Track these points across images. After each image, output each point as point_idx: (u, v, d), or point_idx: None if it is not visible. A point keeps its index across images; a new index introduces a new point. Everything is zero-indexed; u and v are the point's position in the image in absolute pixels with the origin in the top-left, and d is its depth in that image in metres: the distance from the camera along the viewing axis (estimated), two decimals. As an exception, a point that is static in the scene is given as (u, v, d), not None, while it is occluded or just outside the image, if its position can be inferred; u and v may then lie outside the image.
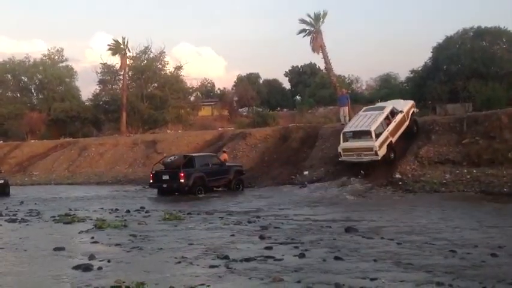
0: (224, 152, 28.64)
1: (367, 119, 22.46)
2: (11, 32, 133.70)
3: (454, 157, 21.62)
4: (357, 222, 12.43)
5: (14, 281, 7.41)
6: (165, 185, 22.32)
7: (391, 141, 22.16)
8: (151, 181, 22.81)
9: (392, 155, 22.25)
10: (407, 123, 23.36)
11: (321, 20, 40.60)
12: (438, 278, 6.97)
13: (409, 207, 16.04)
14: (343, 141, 22.44)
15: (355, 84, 66.40)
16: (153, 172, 22.96)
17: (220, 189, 23.45)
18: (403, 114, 23.23)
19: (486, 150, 21.10)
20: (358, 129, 22.39)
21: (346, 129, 22.88)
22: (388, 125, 22.31)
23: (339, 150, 22.58)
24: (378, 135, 21.60)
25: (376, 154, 21.46)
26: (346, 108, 28.33)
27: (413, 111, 24.50)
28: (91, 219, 13.87)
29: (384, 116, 22.39)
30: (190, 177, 21.77)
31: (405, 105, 24.05)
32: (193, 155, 24.52)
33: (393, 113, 22.92)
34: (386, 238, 10.17)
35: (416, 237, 10.32)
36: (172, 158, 23.23)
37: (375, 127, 21.77)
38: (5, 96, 62.20)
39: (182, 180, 21.60)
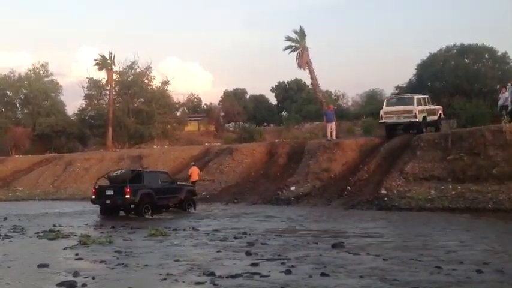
0: (193, 165, 28.44)
1: (409, 96, 27.15)
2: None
3: (439, 173, 21.81)
4: (344, 239, 12.45)
5: (-3, 298, 7.30)
6: (108, 201, 20.23)
7: (425, 116, 25.72)
8: (92, 197, 20.72)
9: (424, 130, 25.67)
10: (436, 117, 27.04)
11: (306, 36, 40.98)
12: (424, 294, 6.99)
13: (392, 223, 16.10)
14: (386, 106, 26.00)
15: (341, 100, 66.88)
16: (96, 187, 21.07)
17: (170, 209, 21.98)
18: (435, 108, 27.55)
19: (471, 166, 21.33)
20: (403, 96, 27.55)
21: (389, 97, 28.67)
22: (424, 105, 26.13)
23: (381, 113, 25.86)
24: (418, 104, 25.36)
25: (415, 117, 24.96)
26: (334, 124, 28.52)
27: (441, 114, 28.15)
28: (75, 235, 13.73)
29: (423, 97, 26.87)
30: (137, 194, 19.80)
31: (437, 106, 28.57)
32: (142, 170, 23.32)
33: (429, 101, 27.14)
34: (372, 254, 10.19)
35: (402, 253, 10.36)
36: (118, 172, 21.49)
37: (417, 97, 25.87)
38: (-11, 111, 61.69)
39: (128, 196, 19.55)
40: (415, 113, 24.81)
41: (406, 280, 7.86)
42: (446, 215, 17.92)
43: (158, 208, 20.99)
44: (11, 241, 13.49)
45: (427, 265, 9.04)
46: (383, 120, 25.94)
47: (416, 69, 51.45)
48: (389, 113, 25.63)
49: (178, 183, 22.84)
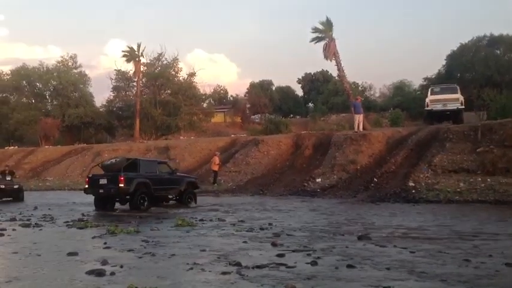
0: (216, 155, 28.68)
1: (452, 85, 29.95)
2: (26, 38, 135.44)
3: (468, 166, 21.49)
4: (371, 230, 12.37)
5: (29, 286, 7.45)
6: (101, 190, 19.00)
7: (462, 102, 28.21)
8: (86, 186, 19.69)
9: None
10: (463, 107, 28.31)
11: (333, 27, 40.58)
12: (452, 287, 6.90)
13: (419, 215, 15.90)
14: (431, 95, 28.01)
15: (368, 91, 66.17)
16: (89, 176, 20.08)
17: (170, 202, 21.07)
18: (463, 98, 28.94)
19: (501, 158, 20.96)
20: (444, 86, 29.71)
21: (433, 87, 30.11)
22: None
23: (427, 101, 27.64)
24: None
25: (462, 104, 27.41)
26: (362, 116, 28.30)
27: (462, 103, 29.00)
28: (104, 225, 13.93)
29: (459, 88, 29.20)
30: (132, 182, 18.61)
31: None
32: (139, 158, 22.20)
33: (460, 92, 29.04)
34: (399, 246, 10.10)
35: (429, 245, 10.23)
36: (113, 160, 20.49)
37: (458, 88, 28.52)
38: (20, 102, 62.98)
39: (122, 185, 18.39)
40: (461, 101, 27.51)
41: (434, 273, 7.77)
42: (476, 207, 17.63)
43: (155, 199, 19.89)
44: (41, 230, 13.77)
45: (455, 258, 8.92)
46: (429, 108, 27.80)
47: (445, 60, 50.69)
48: (435, 101, 27.56)
49: (178, 173, 21.83)
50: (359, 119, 28.23)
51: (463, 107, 27.78)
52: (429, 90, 29.21)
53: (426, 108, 28.13)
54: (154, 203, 19.73)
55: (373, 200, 20.48)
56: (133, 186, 18.59)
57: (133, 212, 17.97)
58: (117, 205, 19.81)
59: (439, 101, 27.73)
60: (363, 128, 29.32)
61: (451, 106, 27.54)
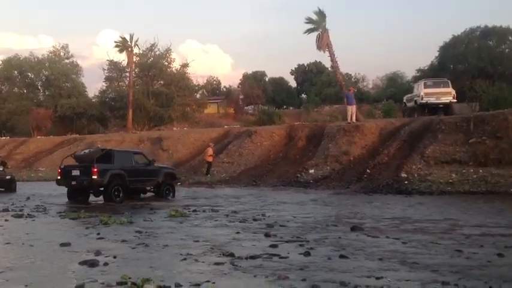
0: (210, 146, 28.73)
1: (444, 79, 31.55)
2: (17, 28, 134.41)
3: (460, 157, 21.60)
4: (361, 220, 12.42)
5: (21, 275, 7.44)
6: (74, 182, 18.25)
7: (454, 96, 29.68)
8: (58, 177, 18.88)
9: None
10: (455, 100, 29.59)
11: (326, 18, 40.49)
12: (444, 278, 6.94)
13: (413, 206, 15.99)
14: (425, 88, 28.99)
15: (361, 82, 66.33)
16: (62, 167, 19.13)
17: (147, 195, 20.31)
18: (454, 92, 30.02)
19: (493, 150, 21.09)
20: (437, 80, 31.34)
21: (426, 81, 31.14)
22: None
23: (421, 93, 28.77)
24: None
25: (454, 98, 28.96)
26: (355, 107, 28.38)
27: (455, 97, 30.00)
28: (97, 215, 13.91)
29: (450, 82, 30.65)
30: (105, 174, 17.80)
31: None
32: (113, 148, 21.36)
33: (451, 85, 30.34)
34: (391, 237, 10.16)
35: (421, 236, 10.30)
36: (86, 150, 19.74)
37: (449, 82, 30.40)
38: (12, 93, 62.63)
39: (95, 177, 17.57)
40: (454, 95, 29.02)
41: (426, 263, 7.82)
42: (468, 198, 17.74)
43: (131, 192, 19.21)
44: (33, 220, 13.74)
45: (447, 248, 8.99)
46: (424, 101, 28.95)
47: (438, 51, 50.77)
48: (429, 94, 28.62)
49: (155, 164, 20.83)
50: (352, 110, 28.29)
51: (455, 100, 29.27)
52: (421, 83, 30.07)
53: (421, 101, 28.96)
54: (130, 196, 19.14)
55: (366, 191, 20.55)
56: (107, 178, 17.82)
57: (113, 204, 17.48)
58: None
59: (432, 94, 28.82)
60: (356, 119, 29.38)
61: (444, 99, 28.85)
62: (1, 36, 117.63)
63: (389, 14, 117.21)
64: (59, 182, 19.00)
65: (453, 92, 29.10)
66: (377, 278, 6.93)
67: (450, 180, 20.36)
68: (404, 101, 34.03)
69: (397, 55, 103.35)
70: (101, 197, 18.66)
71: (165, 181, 20.14)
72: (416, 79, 55.03)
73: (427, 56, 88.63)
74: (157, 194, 19.91)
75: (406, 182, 20.84)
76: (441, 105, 29.05)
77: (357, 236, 10.40)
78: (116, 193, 18.00)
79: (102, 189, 18.19)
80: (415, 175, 21.33)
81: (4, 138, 50.84)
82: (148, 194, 20.37)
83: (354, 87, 39.35)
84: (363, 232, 10.85)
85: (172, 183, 20.67)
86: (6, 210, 15.97)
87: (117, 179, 18.21)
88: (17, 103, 58.42)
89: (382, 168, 22.92)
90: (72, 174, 18.31)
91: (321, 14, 40.08)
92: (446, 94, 29.05)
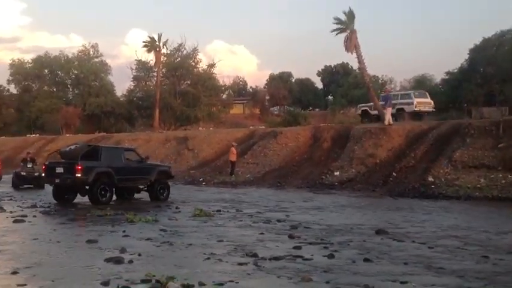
0: (232, 146, 28.68)
1: (422, 91, 35.00)
2: (48, 27, 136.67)
3: (489, 161, 21.19)
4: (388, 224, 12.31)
5: (48, 271, 7.58)
6: (58, 180, 17.14)
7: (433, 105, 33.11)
8: (43, 174, 18.10)
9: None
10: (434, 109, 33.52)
11: (355, 18, 40.16)
12: (469, 283, 6.85)
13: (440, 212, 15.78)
14: (415, 98, 31.71)
15: (389, 85, 65.56)
16: (46, 163, 18.38)
17: (140, 194, 19.18)
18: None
19: (523, 155, 20.62)
20: (421, 91, 34.54)
21: (414, 91, 34.21)
22: None
23: (415, 102, 31.16)
24: None
25: (434, 108, 32.91)
26: (390, 109, 28.25)
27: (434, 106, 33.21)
28: (122, 213, 14.07)
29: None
30: (90, 172, 16.52)
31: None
32: (101, 145, 20.25)
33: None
34: (417, 242, 10.04)
35: (448, 241, 10.16)
36: (72, 146, 18.26)
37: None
38: (42, 91, 63.72)
39: (79, 175, 16.31)
40: (433, 105, 32.80)
41: (452, 268, 7.73)
42: (496, 204, 17.42)
43: (120, 191, 18.29)
44: (61, 217, 13.98)
45: (473, 254, 8.86)
46: (418, 109, 31.51)
47: (468, 54, 49.93)
48: (420, 103, 31.59)
49: (148, 162, 19.26)
50: (389, 112, 28.21)
51: (434, 109, 33.62)
52: (411, 93, 33.15)
53: (414, 109, 31.59)
54: (120, 195, 18.39)
55: (392, 195, 20.34)
56: (92, 176, 16.55)
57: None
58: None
59: (422, 103, 31.89)
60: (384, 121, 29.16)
61: (428, 108, 32.42)
62: (33, 35, 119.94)
63: (419, 16, 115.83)
64: (44, 180, 18.09)
65: (432, 102, 33.10)
66: (402, 283, 6.87)
67: (478, 185, 19.98)
68: (365, 109, 35.16)
69: (426, 57, 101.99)
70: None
71: (159, 179, 18.70)
72: (444, 82, 54.46)
73: (457, 59, 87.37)
74: (151, 193, 18.60)
75: (433, 186, 20.55)
76: (426, 114, 32.67)
77: (381, 240, 10.32)
78: (103, 192, 16.83)
79: (87, 187, 17.04)
80: (442, 179, 21.01)
81: (34, 135, 51.77)
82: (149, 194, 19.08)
83: (390, 88, 40.77)
84: (388, 236, 10.75)
85: (167, 182, 19.18)
86: (34, 206, 16.30)
87: (104, 178, 17.02)
88: (47, 101, 59.43)
89: (408, 172, 22.65)
90: (56, 171, 17.19)
91: (350, 15, 39.72)
92: (430, 104, 32.71)
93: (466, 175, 20.92)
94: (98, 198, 16.63)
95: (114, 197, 17.95)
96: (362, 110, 35.67)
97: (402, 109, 31.76)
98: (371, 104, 34.89)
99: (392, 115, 31.28)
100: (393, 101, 31.71)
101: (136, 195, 19.34)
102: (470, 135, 22.91)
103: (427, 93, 34.33)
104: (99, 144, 20.09)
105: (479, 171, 20.98)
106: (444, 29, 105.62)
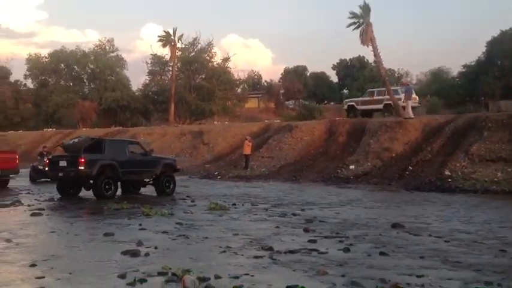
0: (247, 139, 28.68)
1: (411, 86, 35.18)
2: (65, 22, 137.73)
3: (506, 155, 20.98)
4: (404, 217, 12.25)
5: (66, 264, 7.66)
6: (61, 174, 16.88)
7: None
8: (46, 168, 18.01)
9: None
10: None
11: (371, 12, 39.87)
12: (487, 277, 6.80)
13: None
14: (413, 95, 30.97)
15: (405, 78, 65.02)
16: (49, 157, 18.50)
17: (146, 188, 18.90)
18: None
19: (541, 148, 20.38)
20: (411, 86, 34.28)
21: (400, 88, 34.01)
22: None
23: (403, 98, 30.45)
24: None
25: (419, 103, 34.13)
26: (410, 101, 28.45)
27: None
28: (139, 207, 14.16)
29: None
30: (94, 165, 16.27)
31: None
32: (104, 138, 20.13)
33: None
34: (434, 235, 9.98)
35: (465, 235, 10.08)
36: (75, 139, 18.19)
37: None
38: (58, 85, 64.16)
39: (82, 168, 16.05)
40: (418, 100, 33.96)
41: (469, 262, 7.67)
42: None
43: (125, 185, 18.13)
44: (78, 210, 14.12)
45: (491, 248, 8.79)
46: (415, 104, 31.72)
47: (486, 46, 49.36)
48: (414, 99, 31.44)
49: (153, 155, 19.05)
50: (409, 104, 28.39)
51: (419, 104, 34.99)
52: (398, 89, 33.05)
53: (413, 105, 31.02)
54: (126, 190, 18.20)
55: (408, 188, 20.24)
56: (96, 169, 16.29)
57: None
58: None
59: (415, 99, 31.81)
60: (401, 115, 29.06)
61: (417, 103, 33.25)
62: (49, 30, 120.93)
63: (434, 8, 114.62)
64: (47, 174, 18.19)
65: (417, 97, 33.70)
66: (418, 276, 6.84)
67: (495, 179, 19.80)
68: (353, 104, 35.51)
69: (442, 50, 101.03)
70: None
71: (164, 172, 18.39)
72: (461, 75, 53.85)
73: (475, 52, 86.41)
74: (156, 187, 18.35)
75: (449, 180, 20.39)
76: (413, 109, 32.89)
77: (397, 234, 10.27)
78: (107, 186, 16.54)
79: (91, 181, 16.78)
80: (459, 173, 20.84)
81: (51, 130, 52.23)
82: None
83: (407, 81, 42.87)
84: (404, 229, 10.70)
85: (172, 175, 18.84)
86: (51, 199, 16.47)
87: (108, 171, 16.76)
88: (63, 96, 59.87)
89: (424, 166, 22.50)
90: (60, 165, 16.96)
91: (366, 8, 39.44)
92: (415, 99, 32.65)
93: (483, 168, 20.74)
94: (103, 192, 16.41)
95: (120, 192, 17.81)
96: (348, 105, 36.01)
97: (390, 104, 32.36)
98: (358, 99, 35.99)
99: (380, 111, 33.40)
100: (380, 97, 33.58)
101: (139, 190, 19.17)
102: (488, 129, 22.68)
103: (412, 89, 34.40)
104: (103, 138, 20.10)
105: (496, 165, 20.79)
106: (461, 21, 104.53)
